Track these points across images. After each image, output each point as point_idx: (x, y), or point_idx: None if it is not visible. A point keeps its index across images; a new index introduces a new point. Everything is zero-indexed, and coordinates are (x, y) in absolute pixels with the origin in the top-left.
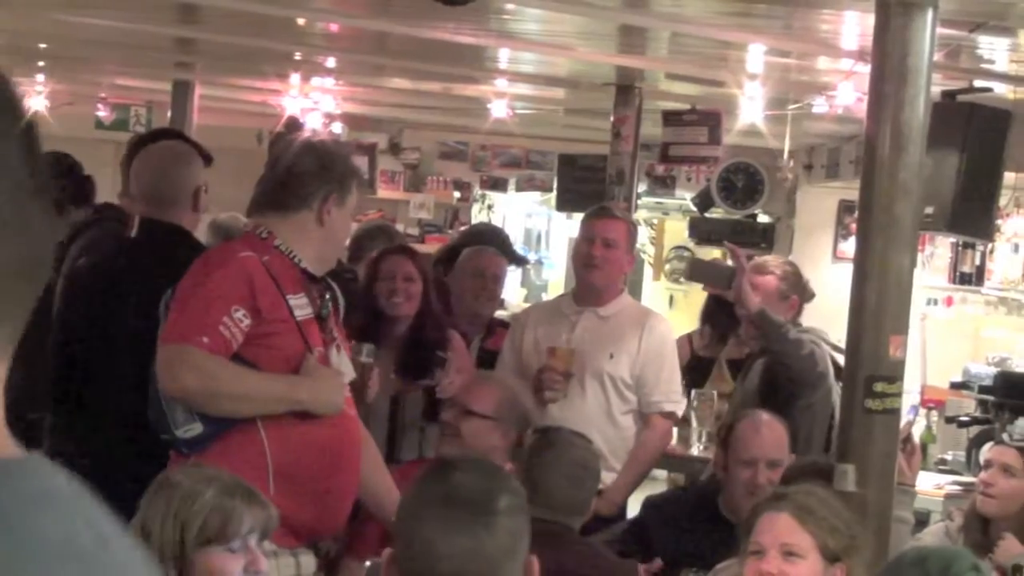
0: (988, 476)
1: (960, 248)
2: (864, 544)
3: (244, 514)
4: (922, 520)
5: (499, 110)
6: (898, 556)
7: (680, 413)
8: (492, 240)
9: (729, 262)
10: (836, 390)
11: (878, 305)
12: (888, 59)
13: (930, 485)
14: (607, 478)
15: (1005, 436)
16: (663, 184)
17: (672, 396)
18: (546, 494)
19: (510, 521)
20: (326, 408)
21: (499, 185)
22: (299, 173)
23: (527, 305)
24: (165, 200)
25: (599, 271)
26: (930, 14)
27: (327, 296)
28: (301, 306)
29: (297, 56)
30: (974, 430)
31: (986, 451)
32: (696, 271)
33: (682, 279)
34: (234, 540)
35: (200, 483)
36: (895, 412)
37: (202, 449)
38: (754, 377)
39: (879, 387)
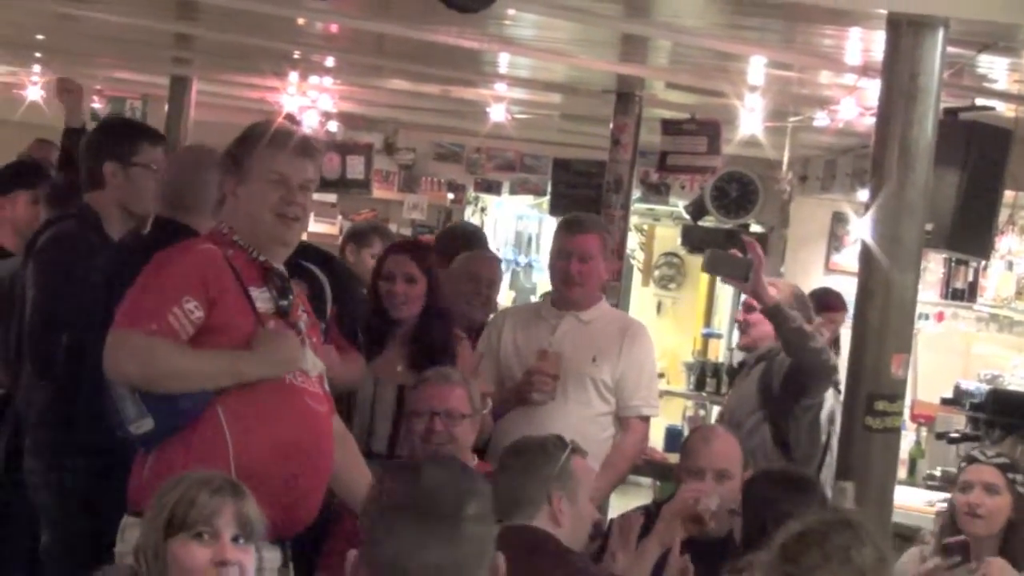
0: (974, 498)
1: (953, 264)
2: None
3: (208, 502)
4: (910, 536)
5: (498, 114)
6: None
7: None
8: (474, 240)
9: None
10: (838, 404)
11: (881, 324)
12: (897, 77)
13: (921, 502)
14: None
15: (978, 454)
16: (657, 191)
17: (651, 401)
18: None
19: (479, 528)
20: (278, 368)
21: (493, 188)
22: None
23: None
24: (187, 205)
25: (579, 287)
26: (940, 33)
27: (287, 290)
28: (263, 299)
29: (296, 55)
30: (964, 447)
31: (963, 471)
32: (714, 262)
33: (672, 285)
34: (197, 528)
35: (184, 478)
36: (895, 431)
37: (159, 447)
38: (751, 381)
39: (880, 405)
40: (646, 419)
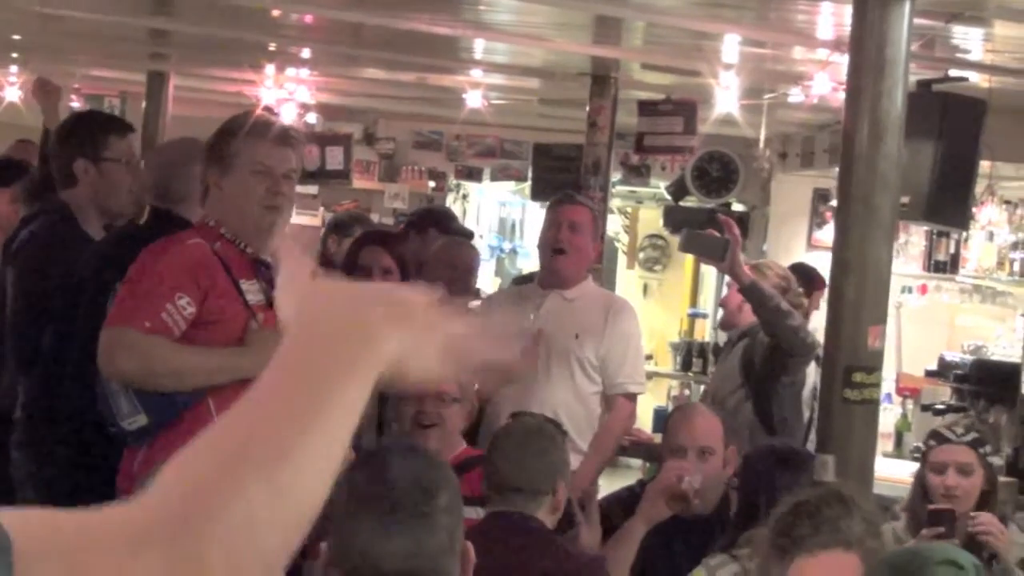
0: (950, 480)
1: (935, 236)
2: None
3: None
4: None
5: (474, 100)
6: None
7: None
8: (439, 219)
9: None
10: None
11: (857, 296)
12: (865, 50)
13: (908, 474)
14: (575, 460)
15: (947, 432)
16: (637, 173)
17: (636, 378)
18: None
19: (448, 518)
20: None
21: (474, 175)
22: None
23: None
24: (178, 196)
25: (565, 256)
26: (907, 5)
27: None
28: (253, 291)
29: (272, 47)
30: (949, 418)
31: (933, 451)
32: (690, 243)
33: (657, 267)
34: None
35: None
36: (874, 403)
37: (151, 442)
38: (734, 358)
39: (858, 377)
40: (632, 397)
